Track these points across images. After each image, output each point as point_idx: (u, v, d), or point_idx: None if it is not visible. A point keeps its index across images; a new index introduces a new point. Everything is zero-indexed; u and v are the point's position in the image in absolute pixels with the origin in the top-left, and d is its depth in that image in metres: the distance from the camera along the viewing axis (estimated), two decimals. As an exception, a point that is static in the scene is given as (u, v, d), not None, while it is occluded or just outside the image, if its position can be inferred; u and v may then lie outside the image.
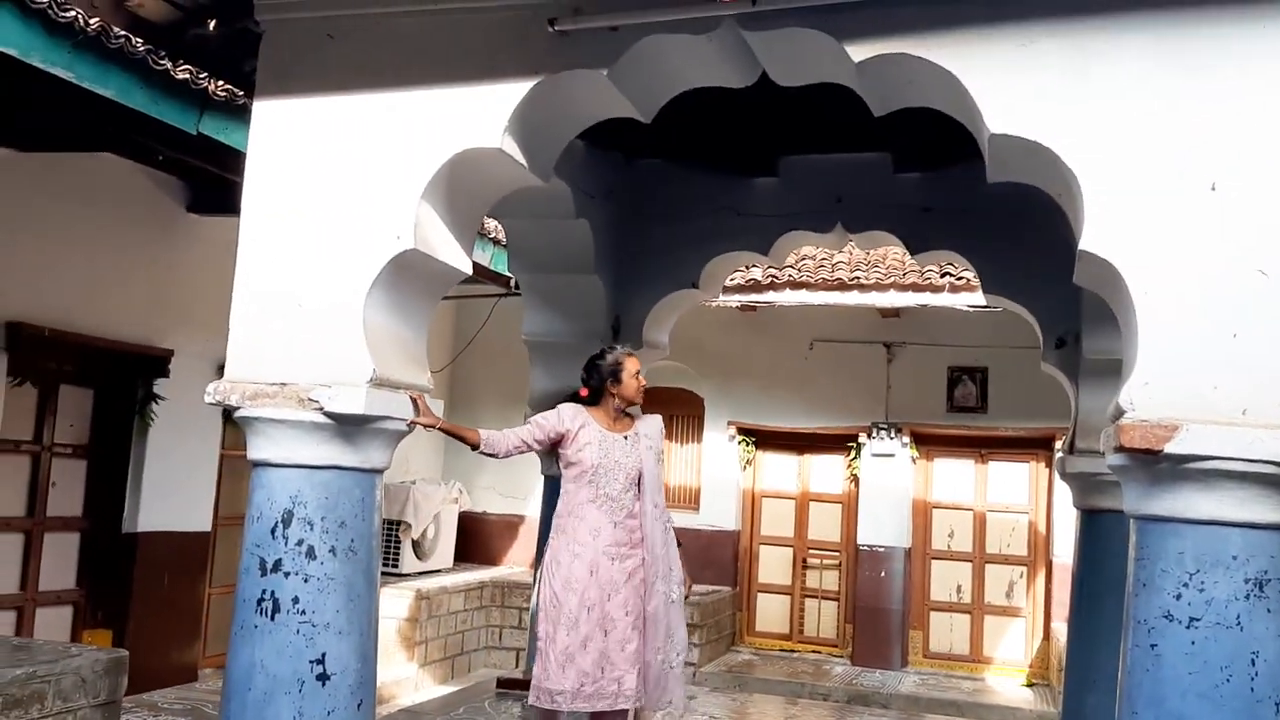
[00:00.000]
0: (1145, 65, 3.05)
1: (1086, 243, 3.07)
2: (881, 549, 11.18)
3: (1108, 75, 3.09)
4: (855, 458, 11.39)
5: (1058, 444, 10.85)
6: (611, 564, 4.35)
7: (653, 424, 4.64)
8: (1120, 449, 2.98)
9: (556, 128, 3.90)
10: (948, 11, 3.22)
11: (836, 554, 11.65)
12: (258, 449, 3.75)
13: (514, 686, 6.37)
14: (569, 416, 4.48)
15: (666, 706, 4.48)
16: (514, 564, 12.19)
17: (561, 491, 4.54)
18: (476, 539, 12.18)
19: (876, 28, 3.29)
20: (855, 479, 11.45)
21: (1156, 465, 2.94)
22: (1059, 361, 5.99)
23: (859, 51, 3.32)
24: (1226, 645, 2.84)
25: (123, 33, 4.28)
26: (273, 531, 3.68)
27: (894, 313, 10.72)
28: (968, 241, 6.06)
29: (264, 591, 3.66)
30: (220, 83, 4.97)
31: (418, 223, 3.68)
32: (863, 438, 11.28)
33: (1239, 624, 2.83)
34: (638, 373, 4.59)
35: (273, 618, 3.64)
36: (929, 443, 11.38)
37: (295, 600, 3.64)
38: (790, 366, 11.44)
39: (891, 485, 11.22)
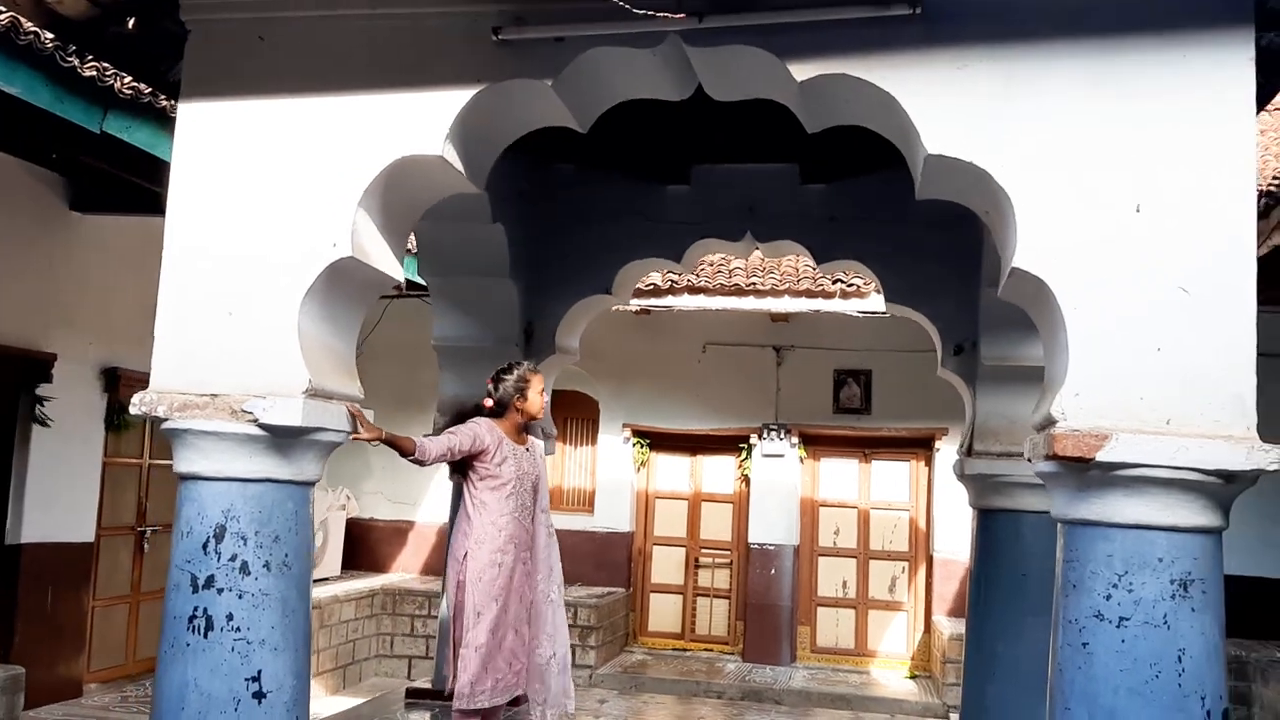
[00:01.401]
0: (1074, 90, 3.22)
1: (1019, 260, 3.21)
2: (771, 547, 11.41)
3: (1038, 99, 3.24)
4: (746, 458, 11.60)
5: (937, 443, 11.30)
6: (520, 567, 4.58)
7: (537, 438, 4.95)
8: (1051, 457, 3.13)
9: (495, 135, 3.89)
10: (887, 33, 3.32)
11: (728, 553, 11.84)
12: (187, 461, 3.63)
13: (424, 696, 6.29)
14: (487, 432, 4.59)
15: (562, 711, 4.64)
16: (404, 570, 12.01)
17: (476, 502, 4.61)
18: (364, 545, 11.97)
19: (819, 48, 3.38)
20: (746, 479, 11.65)
21: (1086, 472, 3.09)
22: (957, 367, 6.22)
23: (801, 71, 3.41)
24: (1155, 643, 3.02)
25: (32, 29, 4.08)
26: (204, 547, 3.57)
27: (784, 317, 10.95)
28: (871, 251, 6.26)
29: (196, 608, 3.55)
30: (126, 80, 4.78)
31: (354, 230, 3.62)
32: (753, 439, 11.50)
33: (1166, 623, 3.02)
34: (542, 390, 4.74)
35: (206, 635, 3.53)
36: (816, 443, 11.67)
37: (229, 617, 3.54)
38: (683, 369, 11.58)
39: (781, 485, 11.47)
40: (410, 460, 4.45)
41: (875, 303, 9.69)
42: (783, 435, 11.42)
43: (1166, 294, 3.10)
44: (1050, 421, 3.18)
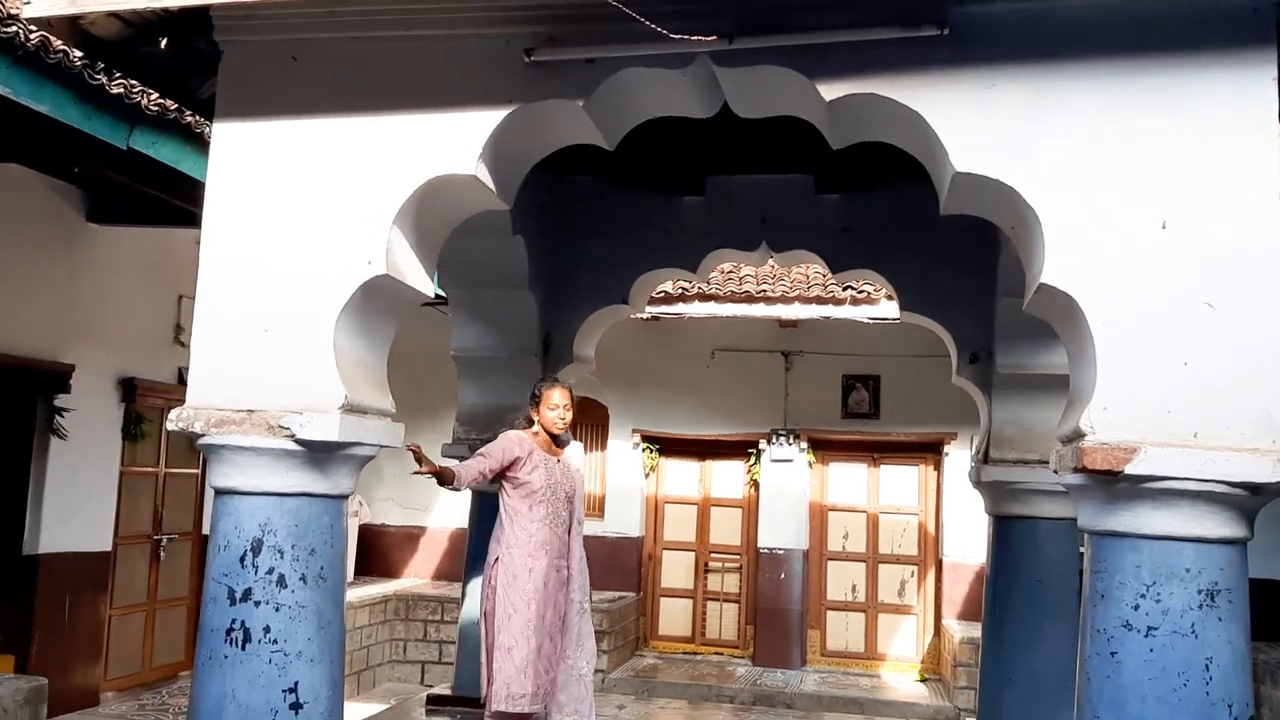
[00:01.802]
0: (1099, 109, 3.28)
1: (1047, 276, 3.26)
2: (781, 551, 11.46)
3: (1065, 118, 3.30)
4: (755, 463, 11.65)
5: (946, 448, 11.36)
6: (556, 575, 4.67)
7: (575, 450, 5.08)
8: (1080, 469, 3.18)
9: (525, 154, 3.95)
10: (915, 54, 3.38)
11: (737, 557, 11.89)
12: (224, 477, 3.69)
13: (445, 703, 6.33)
14: (516, 443, 4.73)
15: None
16: (416, 576, 12.06)
17: (509, 510, 4.75)
18: (376, 551, 12.02)
19: (848, 68, 3.44)
20: (755, 484, 11.71)
21: (1115, 485, 3.15)
22: (972, 376, 6.27)
23: (830, 91, 3.46)
24: (1183, 652, 3.07)
25: (61, 47, 4.14)
26: (241, 560, 3.63)
27: (792, 323, 11.01)
28: (885, 261, 6.31)
29: (234, 621, 3.60)
30: (153, 96, 4.84)
31: (389, 248, 3.68)
32: (762, 444, 11.55)
33: (1194, 632, 3.07)
34: (559, 405, 4.81)
35: (243, 647, 3.59)
36: (825, 448, 11.72)
37: (266, 629, 3.60)
38: (692, 375, 11.64)
39: (790, 489, 11.52)
40: (448, 488, 4.68)
41: (885, 309, 9.75)
42: (791, 440, 11.48)
43: (1193, 309, 3.15)
44: (1078, 434, 3.23)
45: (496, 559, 4.66)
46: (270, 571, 3.62)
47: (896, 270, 6.29)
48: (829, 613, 11.72)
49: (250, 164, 3.78)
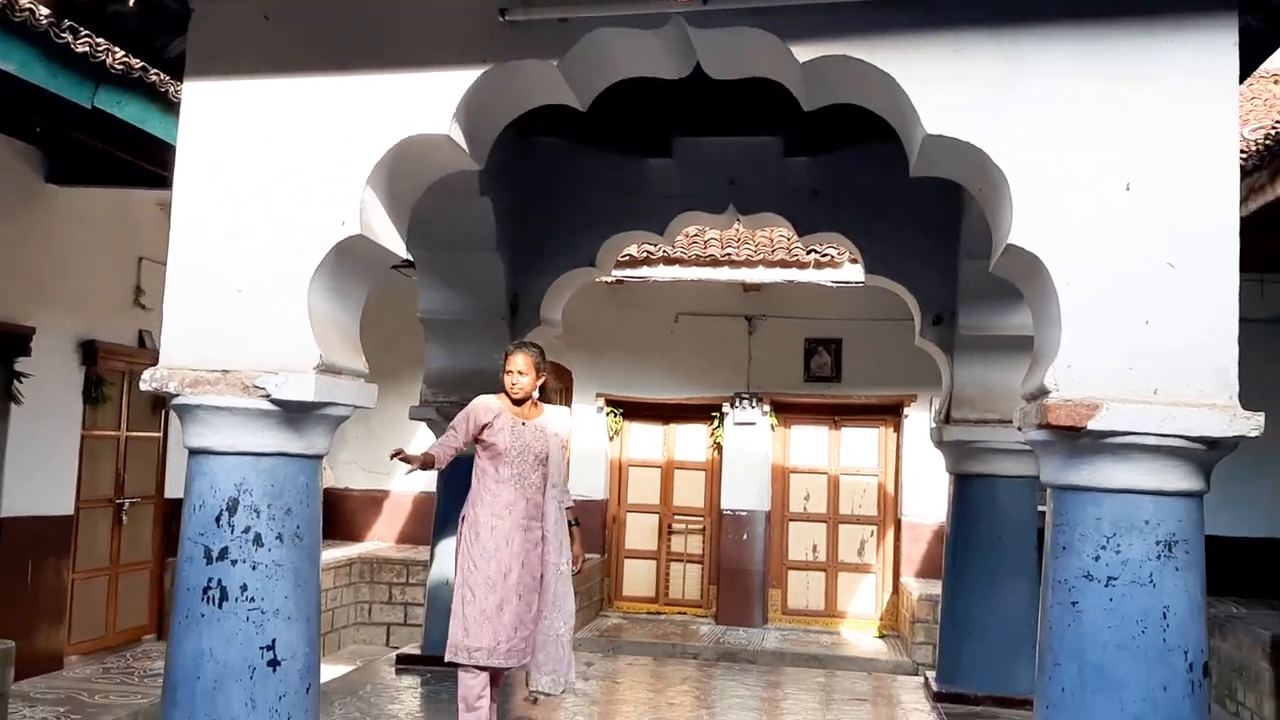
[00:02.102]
0: (1068, 74, 3.34)
1: (1015, 237, 3.33)
2: (743, 513, 11.60)
3: (1034, 82, 3.36)
4: (718, 426, 11.76)
5: (905, 410, 11.52)
6: (523, 535, 4.67)
7: (560, 414, 5.02)
8: (1044, 426, 3.27)
9: (498, 114, 3.95)
10: (889, 16, 3.42)
11: (700, 519, 12.02)
12: (198, 437, 3.70)
13: (414, 662, 6.39)
14: (482, 409, 4.75)
15: (564, 685, 4.75)
16: (380, 539, 12.08)
17: (478, 470, 4.78)
18: (340, 515, 12.00)
19: (822, 30, 3.47)
20: (718, 447, 11.82)
21: (1078, 440, 3.24)
22: (935, 337, 6.37)
23: (804, 52, 3.50)
24: (1141, 601, 3.18)
25: (27, 5, 4.06)
26: (217, 519, 3.65)
27: (755, 287, 11.07)
28: (852, 224, 6.38)
29: (210, 580, 3.62)
30: (118, 55, 4.77)
31: (363, 208, 3.68)
32: (725, 407, 11.65)
33: (1152, 582, 3.18)
34: (514, 370, 4.76)
35: (220, 605, 3.61)
36: (787, 411, 11.84)
37: (244, 588, 3.62)
38: (656, 339, 11.69)
39: (752, 452, 11.64)
40: (433, 470, 4.83)
41: (849, 273, 9.84)
42: (754, 403, 11.58)
43: (1155, 270, 3.24)
44: (1043, 392, 3.32)
45: (463, 516, 4.71)
46: (247, 530, 3.64)
47: (862, 233, 6.36)
48: (790, 572, 11.89)
49: (222, 124, 3.76)
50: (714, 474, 11.92)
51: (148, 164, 5.78)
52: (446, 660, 4.64)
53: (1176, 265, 3.23)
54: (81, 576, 8.25)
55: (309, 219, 3.67)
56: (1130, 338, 3.24)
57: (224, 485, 3.66)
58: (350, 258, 3.78)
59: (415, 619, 10.82)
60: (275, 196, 3.70)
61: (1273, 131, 5.63)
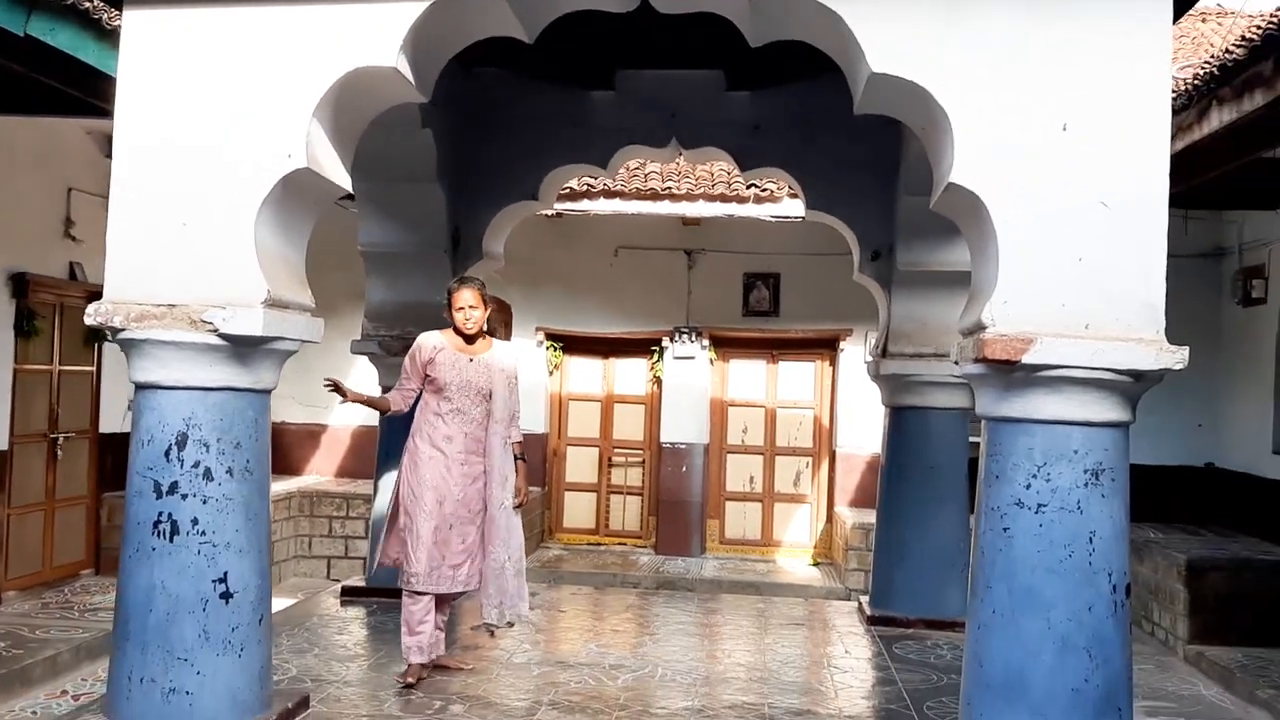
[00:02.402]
0: (1010, 14, 3.41)
1: (956, 175, 3.42)
2: (682, 446, 11.75)
3: (977, 22, 3.43)
4: (658, 360, 11.85)
5: (841, 344, 11.70)
6: (462, 468, 4.73)
7: (508, 350, 5.02)
8: (980, 359, 3.39)
9: (445, 46, 3.93)
10: (835, -46, 3.45)
11: (640, 452, 12.16)
12: (144, 371, 3.68)
13: (358, 594, 6.45)
14: (426, 346, 4.79)
15: (510, 618, 4.80)
16: (318, 473, 12.04)
17: (421, 402, 4.83)
18: (277, 449, 11.81)
19: (770, -34, 3.49)
20: (658, 381, 11.92)
21: (1012, 373, 3.37)
22: (873, 272, 6.49)
23: (752, -13, 3.52)
24: (1069, 526, 3.34)
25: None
26: (166, 454, 3.65)
27: (695, 221, 11.11)
28: (793, 159, 6.43)
29: (160, 514, 3.64)
30: (48, -22, 4.62)
31: (309, 140, 3.66)
32: (665, 341, 11.74)
33: (1079, 508, 3.34)
34: (465, 305, 4.76)
35: (171, 539, 3.64)
36: (726, 345, 11.96)
37: (194, 521, 3.65)
38: (596, 273, 11.69)
39: (691, 386, 11.76)
40: (393, 413, 4.87)
41: (787, 207, 9.92)
42: (693, 338, 11.68)
43: (1088, 208, 3.35)
44: (979, 327, 3.43)
45: (406, 446, 4.79)
46: (196, 465, 3.65)
47: (803, 169, 6.42)
48: (727, 503, 12.11)
49: (164, 54, 3.68)
50: (653, 407, 12.05)
51: (80, 92, 5.61)
52: (400, 584, 4.73)
53: (1109, 203, 3.34)
54: (17, 512, 8.16)
55: (254, 152, 3.63)
56: (1064, 275, 3.36)
57: (172, 420, 3.65)
58: (296, 191, 3.76)
59: (355, 552, 10.86)
60: (220, 129, 3.65)
61: (1201, 71, 5.75)
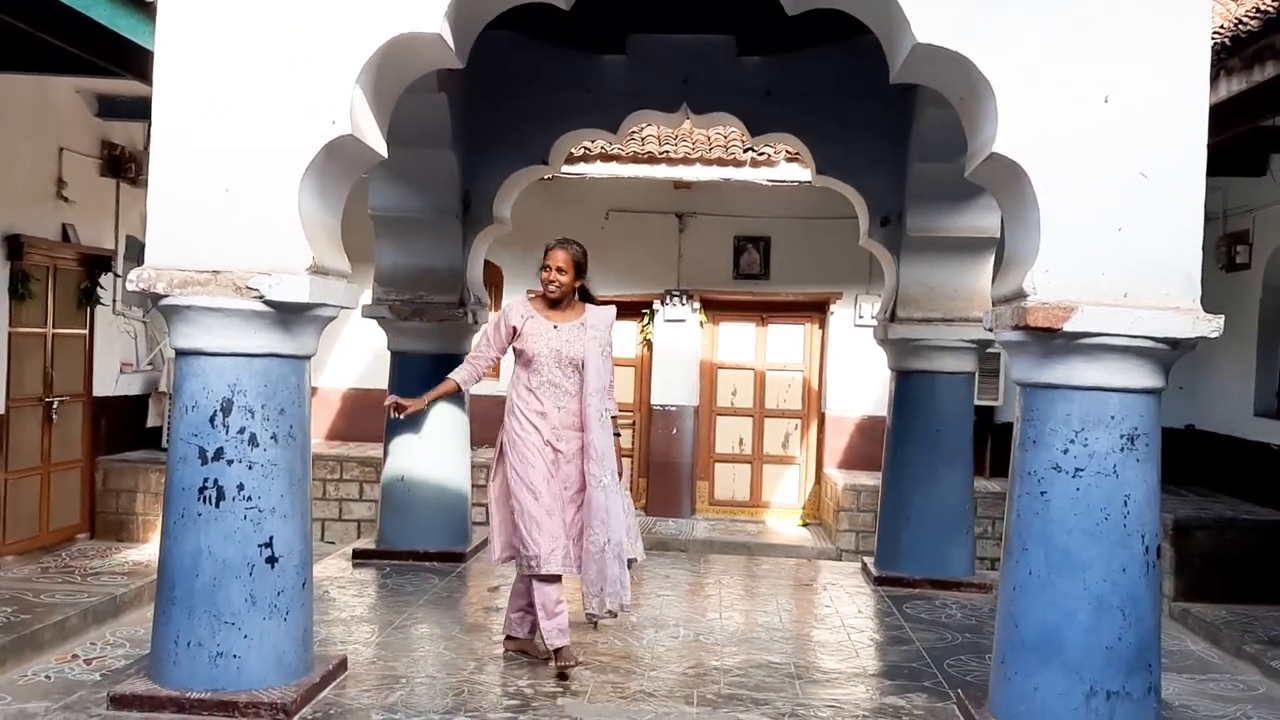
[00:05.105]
0: (1053, -14, 3.45)
1: (999, 146, 3.47)
2: (673, 408, 11.83)
3: (1020, -6, 3.46)
4: (649, 323, 11.89)
5: (831, 307, 11.79)
6: (558, 443, 4.43)
7: (602, 315, 4.67)
8: (1020, 327, 3.46)
9: (483, 11, 3.92)
10: (880, -76, 3.47)
11: (631, 414, 12.21)
12: (187, 337, 3.68)
13: (370, 557, 6.49)
14: (514, 313, 4.56)
15: (619, 608, 4.41)
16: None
17: (513, 378, 4.56)
18: (267, 412, 11.88)
19: (816, -64, 3.51)
20: (649, 343, 11.97)
21: (1052, 341, 3.45)
22: (882, 238, 6.54)
23: (795, -44, 3.53)
24: (1105, 490, 3.44)
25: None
26: (212, 420, 3.66)
27: (686, 185, 11.12)
28: (804, 125, 6.45)
29: (206, 480, 3.66)
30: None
31: (352, 107, 3.65)
32: (656, 304, 11.78)
33: (1115, 473, 3.43)
34: (550, 265, 4.59)
35: (218, 505, 3.66)
36: (716, 308, 12.02)
37: (240, 487, 3.67)
38: (587, 236, 11.48)
39: (682, 349, 11.83)
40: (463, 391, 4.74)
41: (784, 172, 9.95)
42: (684, 301, 11.73)
43: (1128, 179, 3.42)
44: (1019, 295, 3.50)
45: (502, 430, 4.52)
46: (241, 431, 3.67)
47: (815, 134, 6.44)
48: (717, 465, 12.23)
49: (206, 19, 3.65)
50: (644, 370, 12.11)
51: (80, 49, 5.54)
52: (523, 574, 4.41)
53: (1149, 174, 3.41)
54: (13, 476, 8.14)
55: (298, 119, 3.62)
56: (1104, 244, 3.43)
57: (217, 386, 3.66)
58: (338, 158, 3.76)
59: (349, 514, 10.88)
60: (263, 96, 3.64)
61: (1211, 41, 5.82)
